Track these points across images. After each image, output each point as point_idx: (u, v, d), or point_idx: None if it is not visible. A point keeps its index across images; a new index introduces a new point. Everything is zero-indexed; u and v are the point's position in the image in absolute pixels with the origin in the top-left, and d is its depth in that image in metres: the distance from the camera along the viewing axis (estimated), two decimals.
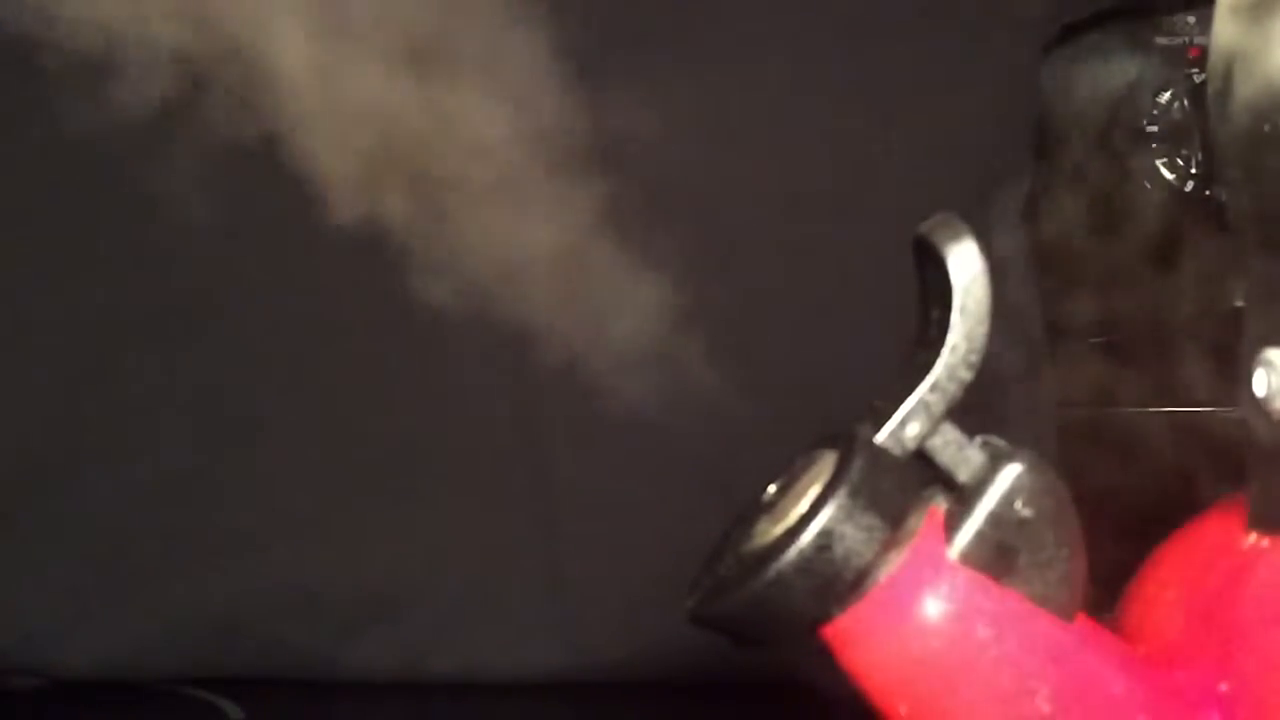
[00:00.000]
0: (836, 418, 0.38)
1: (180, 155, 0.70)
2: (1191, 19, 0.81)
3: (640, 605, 0.69)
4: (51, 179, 0.72)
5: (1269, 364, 0.38)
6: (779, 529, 0.37)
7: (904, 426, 0.37)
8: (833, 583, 0.36)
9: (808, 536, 0.36)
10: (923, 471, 0.38)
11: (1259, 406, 0.38)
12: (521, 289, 0.67)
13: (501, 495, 0.73)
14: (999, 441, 0.38)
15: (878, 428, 0.37)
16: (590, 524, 0.72)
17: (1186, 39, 0.82)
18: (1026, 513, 0.37)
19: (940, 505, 0.38)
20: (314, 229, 0.70)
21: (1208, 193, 0.81)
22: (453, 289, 0.68)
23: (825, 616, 0.37)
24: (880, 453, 0.37)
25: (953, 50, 0.74)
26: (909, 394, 0.37)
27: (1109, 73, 0.83)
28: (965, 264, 0.37)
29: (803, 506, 0.36)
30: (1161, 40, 0.82)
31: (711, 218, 0.71)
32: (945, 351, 0.37)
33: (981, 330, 0.37)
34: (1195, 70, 0.81)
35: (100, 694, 0.73)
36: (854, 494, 0.36)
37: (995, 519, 0.37)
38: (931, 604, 0.37)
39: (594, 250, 0.64)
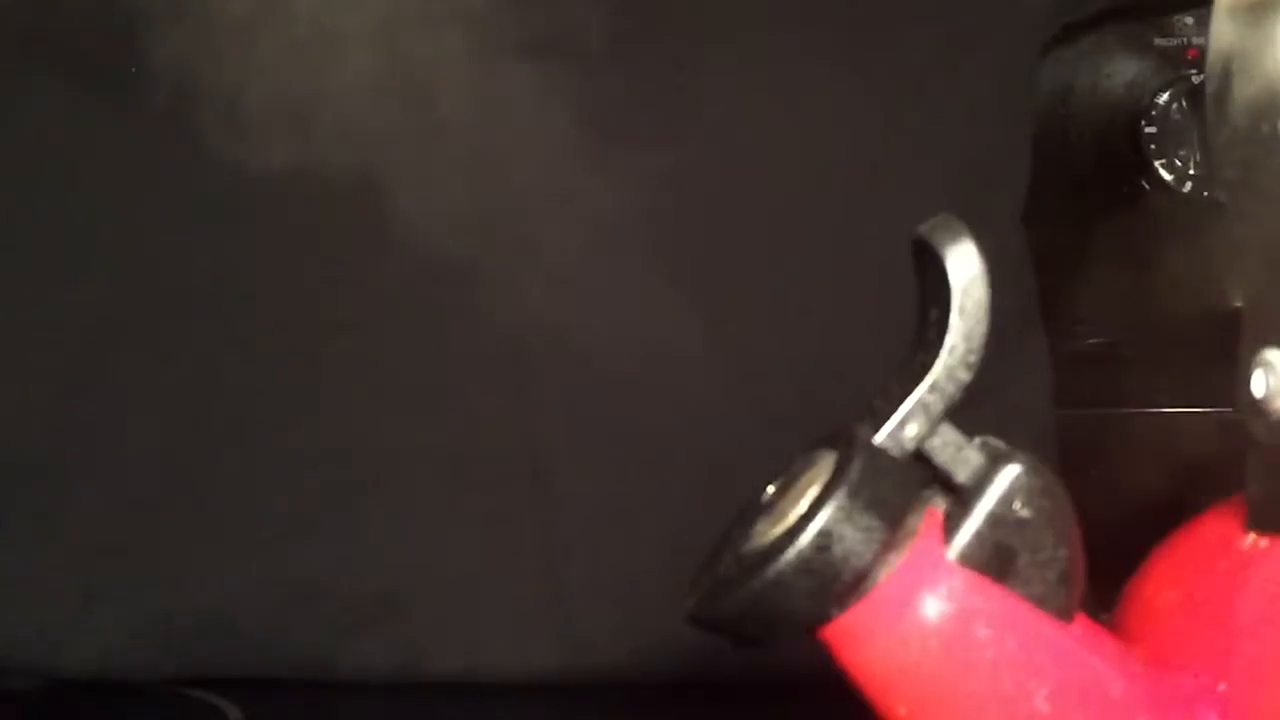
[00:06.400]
0: (836, 418, 0.38)
1: (178, 153, 0.70)
2: (1190, 20, 0.81)
3: (640, 605, 0.69)
4: (47, 177, 0.72)
5: (1267, 364, 0.38)
6: (778, 529, 0.37)
7: (903, 427, 0.37)
8: (832, 583, 0.36)
9: (807, 537, 0.36)
10: (922, 472, 0.38)
11: (1257, 407, 0.38)
12: (521, 291, 0.67)
13: (501, 495, 0.73)
14: (997, 442, 0.38)
15: (877, 428, 0.37)
16: (590, 524, 0.72)
17: (1185, 40, 0.82)
18: (1025, 513, 0.37)
19: (939, 506, 0.38)
20: (313, 228, 0.71)
21: (1207, 193, 0.81)
22: (453, 290, 0.69)
23: (824, 617, 0.37)
24: (879, 453, 0.37)
25: (952, 50, 0.74)
26: (908, 394, 0.37)
27: (1108, 73, 0.83)
28: (964, 264, 0.37)
29: (802, 507, 0.36)
30: (1160, 41, 0.82)
31: (709, 219, 0.71)
32: (944, 352, 0.37)
33: (980, 331, 0.37)
34: (1194, 71, 0.81)
35: (100, 694, 0.73)
36: (853, 495, 0.36)
37: (994, 520, 0.37)
38: (931, 605, 0.37)
39: (593, 252, 0.65)
